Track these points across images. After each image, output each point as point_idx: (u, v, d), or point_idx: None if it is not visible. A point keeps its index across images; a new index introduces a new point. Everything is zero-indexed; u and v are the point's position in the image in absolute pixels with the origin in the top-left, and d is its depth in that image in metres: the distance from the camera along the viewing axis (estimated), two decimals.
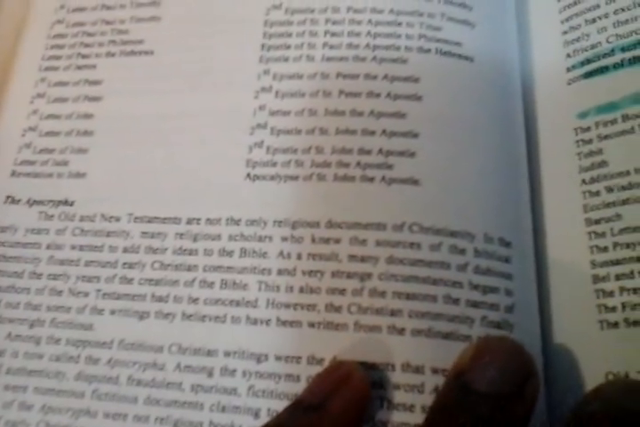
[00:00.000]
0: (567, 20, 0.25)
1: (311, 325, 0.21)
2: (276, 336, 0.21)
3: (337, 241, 0.21)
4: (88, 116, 0.26)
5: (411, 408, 0.19)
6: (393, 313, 0.20)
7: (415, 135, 0.23)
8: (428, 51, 0.24)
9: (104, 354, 0.22)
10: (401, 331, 0.20)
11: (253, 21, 0.26)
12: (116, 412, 0.21)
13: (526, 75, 0.26)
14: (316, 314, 0.21)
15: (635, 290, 0.20)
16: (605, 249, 0.21)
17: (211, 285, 0.22)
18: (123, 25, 0.27)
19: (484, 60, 0.24)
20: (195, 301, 0.22)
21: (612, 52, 0.24)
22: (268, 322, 0.21)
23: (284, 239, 0.22)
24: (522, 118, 0.24)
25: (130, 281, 0.22)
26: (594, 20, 0.25)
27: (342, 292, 0.21)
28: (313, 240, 0.22)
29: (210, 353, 0.21)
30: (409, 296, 0.21)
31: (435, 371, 0.20)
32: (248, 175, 0.23)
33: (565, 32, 0.25)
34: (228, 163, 0.23)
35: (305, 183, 0.23)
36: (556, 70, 0.25)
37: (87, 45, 0.27)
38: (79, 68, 0.27)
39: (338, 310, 0.21)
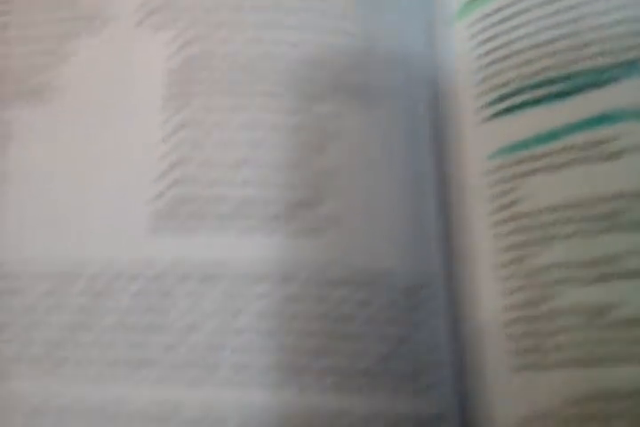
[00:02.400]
0: (479, 57, 0.25)
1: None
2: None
3: (244, 295, 0.21)
4: None
5: None
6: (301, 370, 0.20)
7: (316, 187, 0.23)
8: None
9: None
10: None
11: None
12: None
13: (438, 115, 0.26)
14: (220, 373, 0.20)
15: (540, 334, 0.20)
16: (513, 292, 0.21)
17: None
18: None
19: (394, 100, 0.24)
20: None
21: (518, 92, 0.24)
22: (174, 382, 0.21)
23: (189, 295, 0.21)
24: (430, 164, 0.24)
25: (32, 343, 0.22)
26: (503, 59, 0.25)
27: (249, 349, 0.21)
28: (223, 293, 0.21)
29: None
30: (316, 351, 0.20)
31: None
32: (151, 228, 0.22)
33: (478, 70, 0.25)
34: (131, 214, 0.23)
35: (208, 235, 0.22)
36: (467, 110, 0.25)
37: None
38: None
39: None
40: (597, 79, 0.23)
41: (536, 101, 0.24)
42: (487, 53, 0.25)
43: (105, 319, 0.21)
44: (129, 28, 0.25)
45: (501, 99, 0.24)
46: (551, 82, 0.24)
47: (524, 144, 0.23)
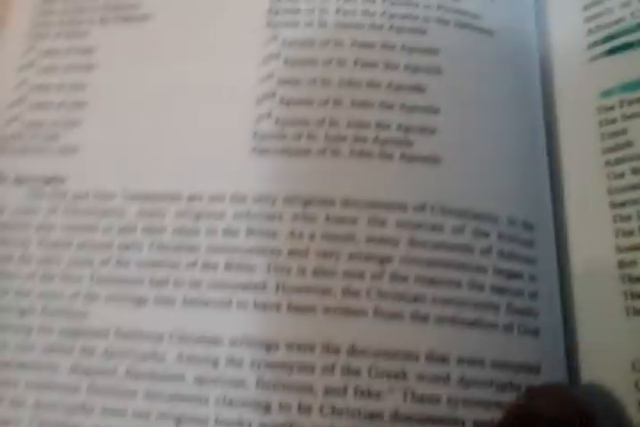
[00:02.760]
0: None
1: (326, 310, 0.19)
2: (287, 323, 0.19)
3: (354, 221, 0.20)
4: (81, 86, 0.24)
5: (436, 400, 0.18)
6: (416, 299, 0.19)
7: (436, 110, 0.21)
8: (447, 22, 0.23)
9: (99, 344, 0.20)
10: (424, 318, 0.19)
11: None
12: (114, 407, 0.19)
13: (545, 51, 0.24)
14: (331, 299, 0.19)
15: None
16: (631, 233, 0.20)
17: (214, 267, 0.20)
18: None
19: (502, 34, 0.23)
20: (197, 284, 0.20)
21: (636, 28, 0.23)
22: (277, 307, 0.19)
23: (296, 218, 0.20)
24: (540, 97, 0.23)
25: (126, 264, 0.21)
26: None
27: (360, 275, 0.19)
28: (327, 219, 0.20)
29: (214, 342, 0.19)
30: (432, 281, 0.19)
31: (460, 361, 0.18)
32: (254, 149, 0.21)
33: (587, 7, 0.24)
34: (232, 135, 0.22)
35: (318, 158, 0.21)
36: (576, 47, 0.24)
37: (80, 10, 0.25)
38: (70, 35, 0.25)
39: (355, 294, 0.19)
40: None
41: None
42: None
43: (205, 241, 0.20)
44: None
45: (611, 38, 0.23)
46: None
47: (634, 85, 0.22)
